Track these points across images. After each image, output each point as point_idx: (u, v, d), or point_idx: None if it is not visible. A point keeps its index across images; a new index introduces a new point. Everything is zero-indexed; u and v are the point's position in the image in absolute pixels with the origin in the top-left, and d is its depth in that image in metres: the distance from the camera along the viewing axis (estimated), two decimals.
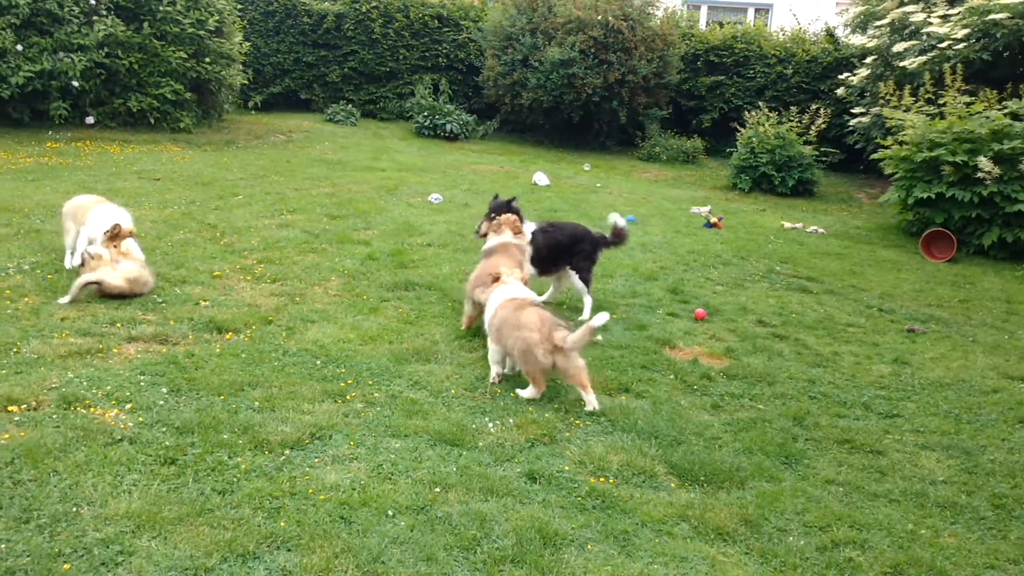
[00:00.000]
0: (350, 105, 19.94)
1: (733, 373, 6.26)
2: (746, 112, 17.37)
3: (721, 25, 21.36)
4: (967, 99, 12.44)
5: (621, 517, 4.10)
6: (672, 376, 6.05)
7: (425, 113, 19.01)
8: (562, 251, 7.15)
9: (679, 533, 4.04)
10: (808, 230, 12.64)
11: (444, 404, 5.16)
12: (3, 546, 3.34)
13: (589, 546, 3.82)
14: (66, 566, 3.27)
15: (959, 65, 13.01)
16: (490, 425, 4.92)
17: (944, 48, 13.76)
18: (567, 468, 4.52)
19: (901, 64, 14.79)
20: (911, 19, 14.85)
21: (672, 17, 19.77)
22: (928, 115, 12.58)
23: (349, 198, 11.23)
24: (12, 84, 12.99)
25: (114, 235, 6.61)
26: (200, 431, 4.42)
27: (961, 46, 13.47)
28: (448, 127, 18.79)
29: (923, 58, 14.16)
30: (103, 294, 6.30)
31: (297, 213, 9.98)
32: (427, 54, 20.47)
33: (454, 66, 20.67)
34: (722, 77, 20.06)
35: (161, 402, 4.74)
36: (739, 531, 4.11)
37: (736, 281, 9.08)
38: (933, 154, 11.60)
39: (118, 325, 5.83)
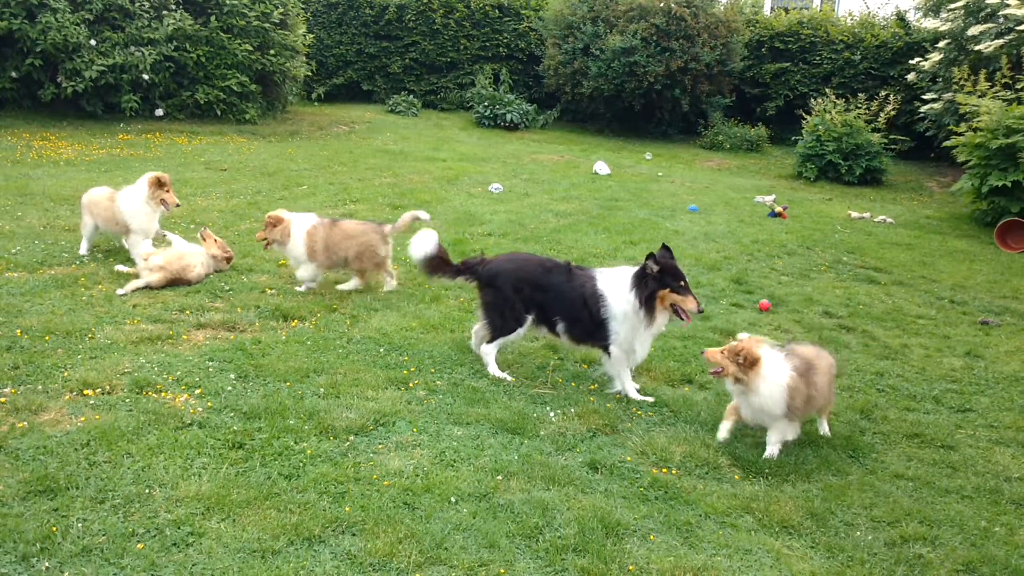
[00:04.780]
0: (411, 96, 20.07)
1: None
2: (812, 99, 17.01)
3: (787, 11, 20.96)
4: None
5: (684, 508, 4.07)
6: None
7: (485, 103, 19.03)
8: None
9: (743, 525, 3.99)
10: (876, 220, 12.33)
11: (505, 393, 5.17)
12: (80, 525, 3.45)
13: (652, 537, 3.79)
14: (139, 545, 3.37)
15: None
16: (551, 414, 4.92)
17: (1022, 31, 13.29)
18: (629, 458, 4.50)
19: (976, 48, 14.34)
20: (987, 1, 14.37)
21: (736, 3, 19.44)
22: (1005, 100, 12.16)
23: (411, 188, 11.31)
24: (86, 78, 13.39)
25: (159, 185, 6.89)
26: (267, 416, 4.50)
27: None
28: (508, 117, 18.78)
29: (1000, 41, 13.70)
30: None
31: (360, 203, 10.08)
32: (488, 44, 20.49)
33: (514, 56, 20.64)
34: (787, 64, 19.65)
35: (229, 388, 4.84)
36: (804, 524, 4.04)
37: (802, 271, 8.91)
38: (1010, 141, 11.22)
39: (187, 312, 5.97)
